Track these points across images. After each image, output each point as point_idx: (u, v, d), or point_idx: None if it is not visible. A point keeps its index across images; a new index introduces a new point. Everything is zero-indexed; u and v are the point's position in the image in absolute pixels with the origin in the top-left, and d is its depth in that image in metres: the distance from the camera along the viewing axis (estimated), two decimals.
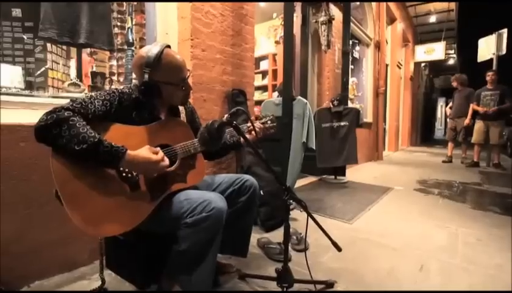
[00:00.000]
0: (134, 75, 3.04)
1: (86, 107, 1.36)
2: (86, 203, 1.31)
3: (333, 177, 5.48)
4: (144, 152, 1.40)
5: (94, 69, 3.16)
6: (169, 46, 1.62)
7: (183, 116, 1.82)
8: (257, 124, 1.93)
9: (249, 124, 1.86)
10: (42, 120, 1.24)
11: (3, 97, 1.95)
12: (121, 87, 1.57)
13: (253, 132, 1.86)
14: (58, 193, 1.28)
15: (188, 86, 1.67)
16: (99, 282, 1.85)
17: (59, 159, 1.29)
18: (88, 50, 3.15)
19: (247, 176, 1.89)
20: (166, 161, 1.47)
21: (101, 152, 1.28)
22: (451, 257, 2.43)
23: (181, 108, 1.82)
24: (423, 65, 15.59)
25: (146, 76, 1.51)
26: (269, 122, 1.98)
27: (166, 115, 1.70)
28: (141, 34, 3.16)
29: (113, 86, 2.29)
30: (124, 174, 1.41)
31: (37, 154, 1.87)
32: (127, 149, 1.34)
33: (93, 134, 1.28)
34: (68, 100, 1.37)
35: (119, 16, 3.13)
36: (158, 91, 1.55)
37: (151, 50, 1.54)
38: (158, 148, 1.48)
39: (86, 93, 2.43)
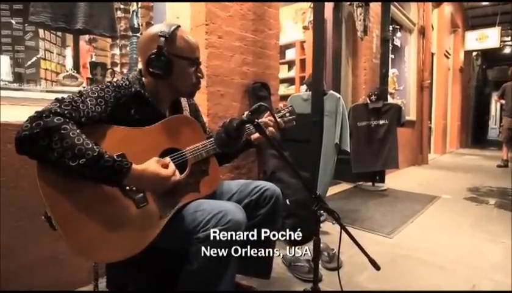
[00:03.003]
0: (140, 67, 3.05)
1: (77, 109, 1.29)
2: (84, 225, 1.27)
3: (370, 184, 5.44)
4: (152, 166, 1.36)
5: (94, 59, 3.15)
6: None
7: (186, 113, 1.78)
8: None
9: (264, 118, 1.83)
10: (26, 128, 1.17)
11: None
12: (116, 79, 1.53)
13: (270, 128, 1.79)
14: (48, 215, 1.25)
15: (200, 71, 1.64)
16: None
17: (48, 175, 1.23)
18: (87, 37, 3.14)
19: (267, 184, 1.83)
20: (177, 175, 1.44)
21: (101, 167, 1.22)
22: (506, 276, 2.40)
23: (184, 104, 1.78)
24: (474, 54, 15.29)
25: (162, 40, 1.47)
26: (287, 114, 1.93)
27: (170, 112, 1.67)
28: (148, 18, 3.14)
29: (115, 79, 2.26)
30: (127, 188, 1.36)
31: (27, 157, 1.84)
32: (131, 164, 1.29)
33: (91, 146, 1.22)
34: (60, 96, 1.32)
35: None
36: (170, 64, 1.51)
37: (162, 26, 1.54)
38: (168, 159, 1.45)
39: (84, 87, 2.40)
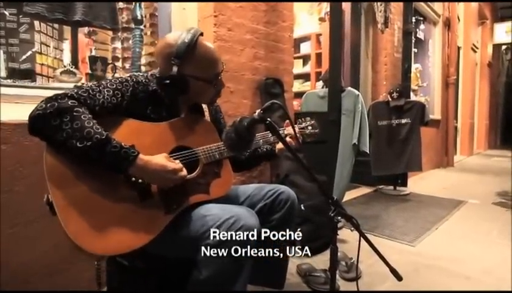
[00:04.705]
0: (143, 61, 3.05)
1: (93, 97, 1.36)
2: (85, 211, 1.28)
3: (391, 187, 5.44)
4: (160, 158, 1.39)
5: (93, 53, 3.14)
6: (202, 34, 1.61)
7: (206, 114, 1.80)
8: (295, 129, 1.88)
9: (286, 129, 1.85)
10: (40, 108, 1.24)
11: None
12: (136, 75, 1.57)
13: (288, 139, 1.82)
14: (50, 200, 1.25)
15: (220, 83, 1.67)
16: None
17: (55, 156, 1.27)
18: (86, 29, 3.13)
19: (282, 187, 1.83)
20: (185, 171, 1.44)
21: (108, 152, 1.26)
22: None
23: (204, 106, 1.80)
24: (504, 47, 15.15)
25: (175, 69, 1.49)
26: (309, 128, 1.95)
27: (187, 113, 1.69)
28: (152, 9, 3.13)
29: (117, 74, 2.26)
30: (133, 179, 1.39)
31: (22, 159, 1.84)
32: (139, 153, 1.32)
33: (100, 130, 1.27)
34: (79, 83, 1.35)
35: None
36: (186, 87, 1.54)
37: (182, 37, 1.53)
38: (177, 161, 1.46)
39: (83, 83, 2.41)
